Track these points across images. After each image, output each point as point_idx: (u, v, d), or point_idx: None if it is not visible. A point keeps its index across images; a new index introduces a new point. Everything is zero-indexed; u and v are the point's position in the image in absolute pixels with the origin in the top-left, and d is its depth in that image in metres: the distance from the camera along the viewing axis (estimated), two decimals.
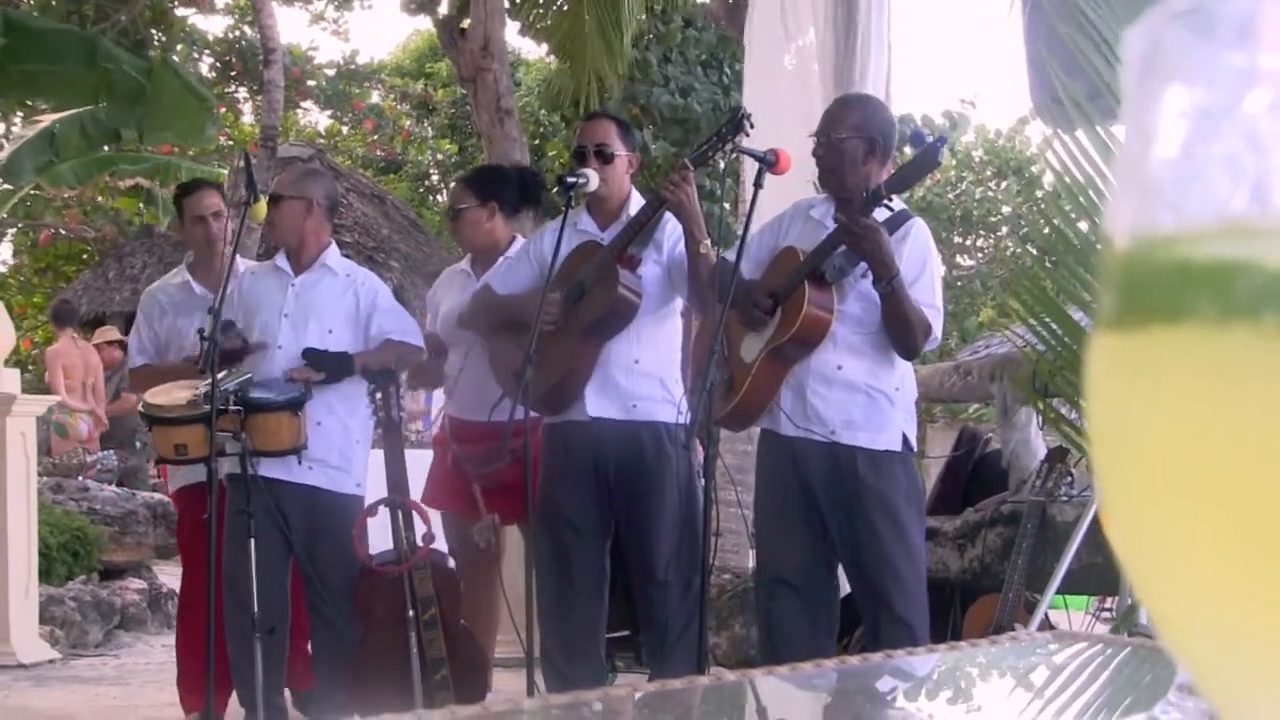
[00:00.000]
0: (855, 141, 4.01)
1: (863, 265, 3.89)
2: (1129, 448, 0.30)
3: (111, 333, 11.94)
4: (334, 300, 4.71)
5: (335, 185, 5.34)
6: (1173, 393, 0.29)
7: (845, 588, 4.26)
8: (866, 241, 3.79)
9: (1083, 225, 3.71)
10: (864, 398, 3.98)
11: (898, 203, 3.90)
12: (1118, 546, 0.32)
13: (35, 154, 7.78)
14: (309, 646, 4.79)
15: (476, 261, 5.00)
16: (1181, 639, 0.31)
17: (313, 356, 4.56)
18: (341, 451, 4.65)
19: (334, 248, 4.86)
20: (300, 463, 4.54)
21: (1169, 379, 0.29)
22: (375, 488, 4.71)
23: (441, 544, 4.85)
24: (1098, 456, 0.32)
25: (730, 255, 4.07)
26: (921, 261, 3.97)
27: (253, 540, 4.36)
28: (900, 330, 3.90)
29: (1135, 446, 0.30)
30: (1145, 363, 0.30)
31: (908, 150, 4.25)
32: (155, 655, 7.20)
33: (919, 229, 4.03)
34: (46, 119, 8.28)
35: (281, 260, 4.79)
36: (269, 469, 4.53)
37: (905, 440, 4.02)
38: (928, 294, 3.95)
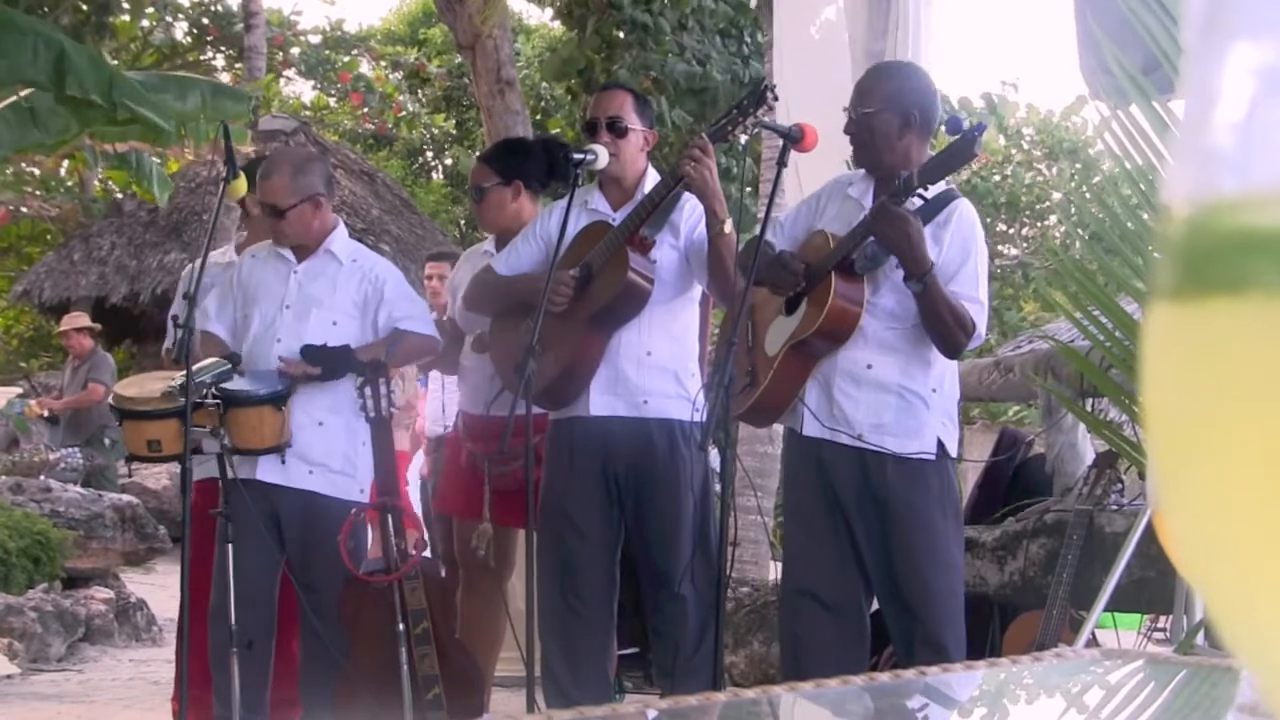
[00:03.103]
0: (888, 115, 3.93)
1: None
2: (1188, 429, 0.30)
3: (80, 319, 11.89)
4: (339, 289, 4.67)
5: (326, 160, 5.32)
6: (1235, 367, 0.29)
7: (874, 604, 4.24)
8: (895, 231, 3.73)
9: (1139, 209, 3.70)
10: (895, 399, 3.94)
11: (933, 191, 3.81)
12: (1176, 546, 0.32)
13: (12, 127, 7.78)
14: (295, 669, 4.76)
15: (501, 244, 4.88)
16: (1252, 647, 0.31)
17: (311, 353, 4.54)
18: (346, 455, 4.63)
19: (340, 230, 4.82)
20: (283, 462, 4.53)
21: (1231, 352, 0.29)
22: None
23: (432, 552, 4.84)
24: (1153, 441, 0.32)
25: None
26: (965, 249, 3.91)
27: (230, 545, 4.35)
28: (939, 330, 3.84)
29: (1195, 428, 0.30)
30: (1206, 336, 0.30)
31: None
32: (122, 671, 7.21)
33: (964, 211, 3.95)
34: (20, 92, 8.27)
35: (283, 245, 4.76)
36: (265, 472, 4.53)
37: (941, 445, 3.96)
38: (970, 286, 3.88)
